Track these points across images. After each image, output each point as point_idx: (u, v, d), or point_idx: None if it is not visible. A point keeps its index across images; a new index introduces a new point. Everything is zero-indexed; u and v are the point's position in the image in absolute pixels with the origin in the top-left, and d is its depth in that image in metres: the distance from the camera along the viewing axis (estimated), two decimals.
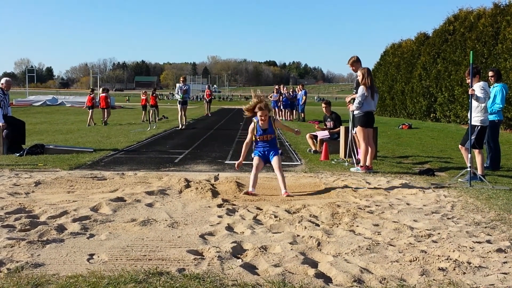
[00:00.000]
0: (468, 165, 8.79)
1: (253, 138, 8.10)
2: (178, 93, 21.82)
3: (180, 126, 21.81)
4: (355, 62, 10.91)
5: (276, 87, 33.48)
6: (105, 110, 25.85)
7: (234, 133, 20.62)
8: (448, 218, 6.31)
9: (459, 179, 9.03)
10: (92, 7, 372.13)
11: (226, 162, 11.53)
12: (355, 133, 10.92)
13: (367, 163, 10.21)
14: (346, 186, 8.49)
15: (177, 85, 22.04)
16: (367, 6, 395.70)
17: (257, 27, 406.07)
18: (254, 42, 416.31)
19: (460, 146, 9.85)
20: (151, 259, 4.54)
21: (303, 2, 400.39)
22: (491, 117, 10.63)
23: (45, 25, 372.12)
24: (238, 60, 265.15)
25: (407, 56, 36.24)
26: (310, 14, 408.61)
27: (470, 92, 8.80)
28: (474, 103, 9.17)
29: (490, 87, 10.88)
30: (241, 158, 8.28)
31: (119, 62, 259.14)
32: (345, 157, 11.88)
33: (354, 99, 10.72)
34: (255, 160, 8.08)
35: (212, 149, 14.20)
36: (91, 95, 26.87)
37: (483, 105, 9.17)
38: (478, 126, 9.22)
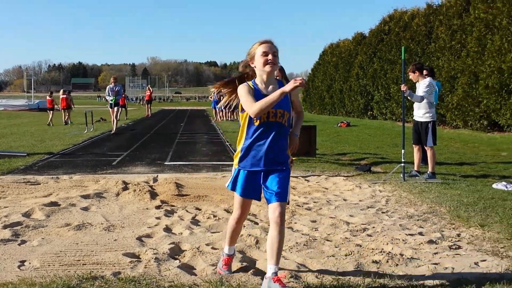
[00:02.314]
0: (402, 160, 9.04)
1: (243, 123, 3.92)
2: (109, 95, 19.73)
3: (113, 130, 20.12)
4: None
5: None
6: (66, 110, 27.86)
7: (174, 134, 20.44)
8: (382, 212, 6.48)
9: (424, 177, 9.00)
10: (26, 8, 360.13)
11: (165, 163, 11.40)
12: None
13: None
14: None
15: (108, 86, 19.99)
16: (306, 6, 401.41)
17: (198, 28, 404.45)
18: (195, 42, 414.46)
19: (414, 145, 9.42)
20: (85, 264, 4.43)
21: (243, 2, 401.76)
22: None
23: None
24: (178, 60, 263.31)
25: (345, 56, 36.98)
26: (250, 14, 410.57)
27: (402, 88, 8.90)
28: (419, 101, 9.12)
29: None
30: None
31: (54, 64, 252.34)
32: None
33: None
34: (238, 199, 4.05)
35: (151, 150, 14.02)
36: (51, 98, 28.87)
37: (427, 101, 9.10)
38: (430, 122, 9.15)
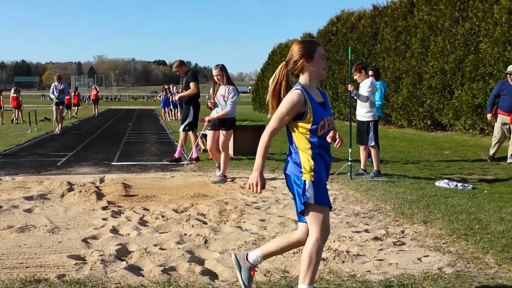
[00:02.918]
0: (349, 159, 9.19)
1: (303, 135, 3.49)
2: (53, 93, 19.24)
3: (56, 130, 19.39)
4: (179, 66, 11.47)
5: (166, 86, 33.14)
6: (16, 109, 27.45)
7: (122, 134, 20.13)
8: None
9: (370, 175, 9.20)
10: None
11: (113, 163, 11.21)
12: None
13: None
14: (234, 183, 8.58)
15: (53, 84, 19.52)
16: (256, 6, 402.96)
17: (146, 26, 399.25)
18: (143, 41, 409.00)
19: (359, 144, 9.60)
20: (28, 267, 4.30)
21: (191, 1, 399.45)
22: None
23: None
24: (126, 59, 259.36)
25: None
26: (199, 13, 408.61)
27: (349, 88, 9.07)
28: (365, 100, 9.31)
29: None
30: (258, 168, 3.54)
31: None
32: (234, 154, 12.00)
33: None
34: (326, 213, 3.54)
35: (98, 150, 13.74)
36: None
37: (370, 100, 9.32)
38: (371, 121, 9.33)
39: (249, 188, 3.41)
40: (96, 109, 36.53)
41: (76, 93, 36.03)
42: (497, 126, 11.22)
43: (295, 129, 3.48)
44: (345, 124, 25.13)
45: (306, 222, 3.51)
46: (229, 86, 8.84)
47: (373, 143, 9.22)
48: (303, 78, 3.55)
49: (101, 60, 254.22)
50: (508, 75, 10.97)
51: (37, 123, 22.31)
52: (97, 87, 38.94)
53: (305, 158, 3.44)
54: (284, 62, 3.61)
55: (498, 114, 11.19)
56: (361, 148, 9.52)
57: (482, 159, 11.69)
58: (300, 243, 3.61)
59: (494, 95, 11.30)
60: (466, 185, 8.15)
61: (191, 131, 11.26)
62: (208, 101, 9.18)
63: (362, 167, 9.45)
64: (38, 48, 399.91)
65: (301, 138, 3.46)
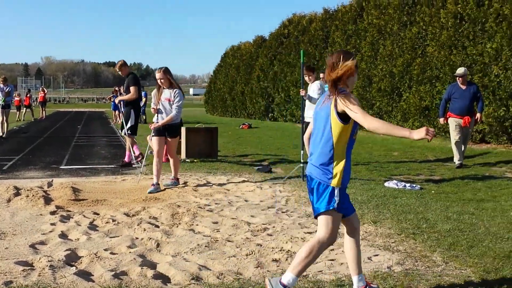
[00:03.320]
0: (301, 161, 9.29)
1: (344, 137, 3.61)
2: None
3: (3, 133, 18.61)
4: (122, 66, 11.34)
5: (116, 88, 32.59)
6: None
7: (71, 137, 19.69)
8: (282, 212, 6.62)
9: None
10: None
11: (61, 167, 10.95)
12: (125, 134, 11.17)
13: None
14: (187, 186, 8.53)
15: None
16: (208, 8, 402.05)
17: (95, 27, 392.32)
18: (92, 42, 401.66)
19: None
20: None
21: (142, 2, 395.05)
22: None
23: None
24: (75, 60, 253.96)
25: (246, 58, 37.39)
26: (150, 14, 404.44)
27: (301, 93, 9.23)
28: (313, 103, 9.53)
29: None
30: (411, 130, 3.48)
31: None
32: (186, 157, 11.92)
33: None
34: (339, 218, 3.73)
35: (46, 154, 13.40)
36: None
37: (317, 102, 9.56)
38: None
39: (427, 135, 3.30)
40: (44, 112, 35.61)
41: (28, 95, 35.39)
42: (452, 130, 10.82)
43: (338, 131, 3.55)
44: (297, 126, 25.37)
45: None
46: (174, 90, 8.40)
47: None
48: (347, 84, 3.64)
49: (49, 62, 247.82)
50: (457, 78, 10.89)
51: None
52: (44, 89, 38.00)
53: (339, 165, 3.57)
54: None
55: (450, 118, 10.84)
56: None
57: (429, 160, 12.02)
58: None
59: (445, 99, 11.08)
60: (414, 185, 8.36)
61: (128, 135, 11.14)
62: (152, 108, 8.63)
63: None
64: None
65: (341, 142, 3.57)
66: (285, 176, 9.50)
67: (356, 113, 3.44)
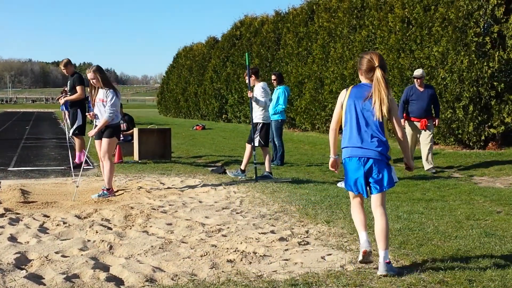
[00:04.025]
0: (254, 162, 9.34)
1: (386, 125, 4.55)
2: None
3: None
4: (67, 65, 11.21)
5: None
6: None
7: (19, 138, 19.15)
8: (237, 213, 6.64)
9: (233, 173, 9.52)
10: None
11: (9, 169, 10.64)
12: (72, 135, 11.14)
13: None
14: (140, 188, 8.44)
15: None
16: (160, 8, 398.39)
17: (43, 25, 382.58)
18: (40, 41, 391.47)
19: (247, 144, 9.86)
20: None
21: (91, 1, 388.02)
22: (275, 117, 11.54)
23: None
24: (22, 60, 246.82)
25: (198, 59, 37.25)
26: (101, 13, 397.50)
27: (249, 95, 9.37)
28: (264, 105, 9.68)
29: (274, 89, 11.76)
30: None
31: None
32: (139, 158, 11.80)
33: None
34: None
35: None
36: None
37: (266, 104, 9.72)
38: (260, 123, 9.73)
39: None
40: None
41: None
42: (409, 132, 10.61)
43: (387, 121, 4.44)
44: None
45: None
46: (107, 89, 7.92)
47: (256, 144, 9.50)
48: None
49: None
50: (415, 80, 10.73)
51: None
52: None
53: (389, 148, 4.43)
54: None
55: (407, 121, 10.69)
56: (262, 150, 9.74)
57: None
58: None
59: (403, 101, 10.81)
60: None
61: (76, 135, 10.96)
62: (88, 114, 8.25)
63: (267, 169, 9.61)
64: None
65: (387, 130, 4.48)
66: (240, 176, 9.52)
67: (397, 107, 4.90)
